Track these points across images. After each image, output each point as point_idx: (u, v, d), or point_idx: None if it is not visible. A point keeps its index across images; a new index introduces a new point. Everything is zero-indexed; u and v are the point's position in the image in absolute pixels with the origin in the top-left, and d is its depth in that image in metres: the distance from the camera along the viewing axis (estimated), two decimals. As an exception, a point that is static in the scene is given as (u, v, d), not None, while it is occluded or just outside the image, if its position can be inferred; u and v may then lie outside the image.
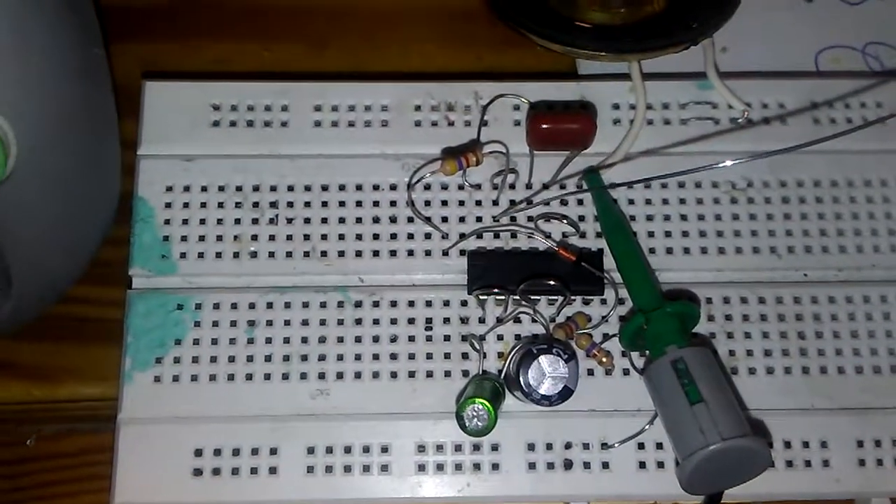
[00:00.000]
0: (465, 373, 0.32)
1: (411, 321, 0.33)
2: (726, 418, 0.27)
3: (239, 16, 0.40)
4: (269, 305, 0.33)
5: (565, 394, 0.30)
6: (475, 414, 0.29)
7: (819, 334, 0.33)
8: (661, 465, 0.32)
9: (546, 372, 0.30)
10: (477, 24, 0.39)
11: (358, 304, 0.33)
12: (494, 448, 0.32)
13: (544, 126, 0.32)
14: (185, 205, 0.34)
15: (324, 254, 0.34)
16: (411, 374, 0.32)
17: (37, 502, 0.35)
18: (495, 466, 0.32)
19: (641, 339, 0.31)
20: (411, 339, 0.33)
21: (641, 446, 0.32)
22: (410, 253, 0.34)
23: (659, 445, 0.32)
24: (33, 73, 0.28)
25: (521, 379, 0.30)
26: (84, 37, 0.31)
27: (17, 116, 0.27)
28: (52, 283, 0.33)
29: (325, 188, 0.34)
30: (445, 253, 0.34)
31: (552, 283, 0.32)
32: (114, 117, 0.34)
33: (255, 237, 0.34)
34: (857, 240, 0.34)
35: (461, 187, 0.34)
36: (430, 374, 0.32)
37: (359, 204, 0.34)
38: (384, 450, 0.32)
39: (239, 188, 0.34)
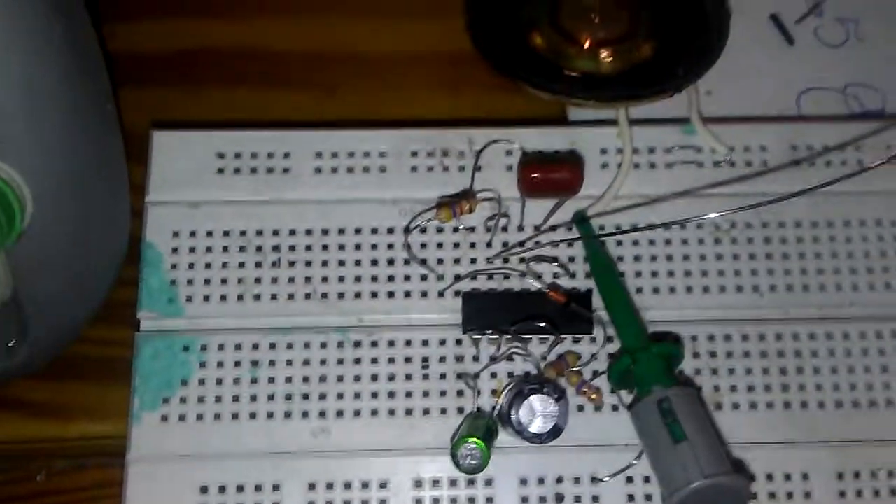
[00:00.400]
0: (461, 410, 0.34)
1: (408, 360, 0.34)
2: (708, 456, 0.29)
3: (246, 63, 0.41)
4: (272, 346, 0.34)
5: (555, 432, 0.31)
6: (469, 453, 0.30)
7: (800, 370, 0.34)
8: (649, 497, 0.33)
9: (537, 411, 0.31)
10: (477, 71, 0.41)
11: (357, 344, 0.34)
12: (488, 483, 0.33)
13: (534, 176, 0.34)
14: (192, 249, 0.35)
15: (324, 295, 0.35)
16: (408, 412, 0.34)
17: (49, 536, 0.36)
18: (489, 500, 0.33)
19: (629, 379, 0.32)
20: (408, 377, 0.34)
21: (630, 480, 0.33)
22: (407, 294, 0.35)
23: (647, 479, 0.33)
24: (48, 130, 0.30)
25: (513, 418, 0.31)
26: (97, 93, 0.33)
27: (33, 174, 0.29)
28: (66, 328, 0.35)
29: (325, 232, 0.36)
30: (441, 294, 0.35)
31: (542, 325, 0.33)
32: (124, 168, 0.36)
33: (258, 280, 0.35)
34: (837, 278, 0.36)
35: (456, 230, 0.36)
36: (426, 412, 0.34)
37: (358, 247, 0.36)
38: (382, 485, 0.33)
39: (243, 233, 0.36)
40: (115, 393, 0.35)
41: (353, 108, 0.40)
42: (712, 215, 0.30)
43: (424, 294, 0.35)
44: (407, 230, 0.35)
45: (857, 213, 0.36)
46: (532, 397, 0.31)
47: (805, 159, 0.37)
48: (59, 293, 0.32)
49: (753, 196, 0.36)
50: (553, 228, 0.36)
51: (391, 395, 0.34)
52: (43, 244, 0.30)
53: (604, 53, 0.38)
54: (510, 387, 0.33)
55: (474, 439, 0.30)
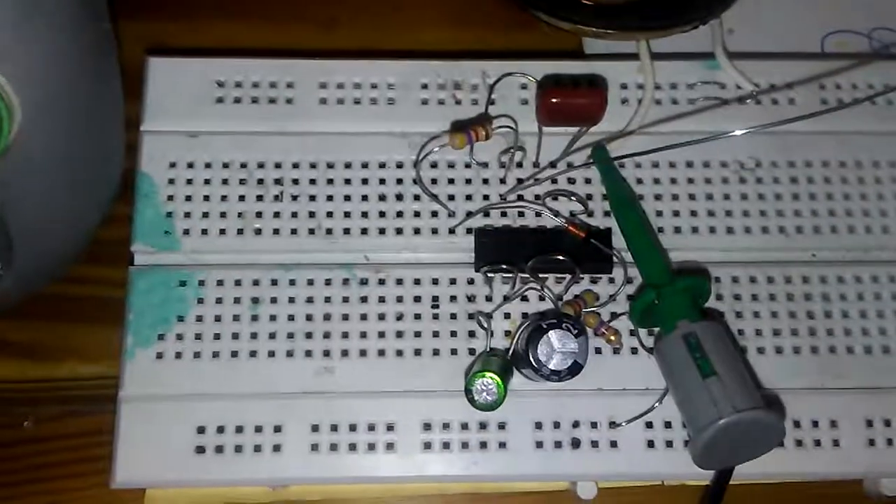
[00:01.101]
0: (472, 351, 0.32)
1: (417, 299, 0.33)
2: (739, 391, 0.27)
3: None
4: (274, 282, 0.33)
5: (575, 369, 0.30)
6: (484, 388, 0.29)
7: (828, 314, 0.33)
8: (669, 444, 0.31)
9: (555, 347, 0.30)
10: (486, 5, 0.39)
11: (363, 282, 0.33)
12: (501, 426, 0.31)
13: (554, 100, 0.32)
14: (189, 181, 0.34)
15: (329, 231, 0.33)
16: (417, 353, 0.32)
17: (34, 485, 0.34)
18: (502, 445, 0.31)
19: (652, 315, 0.30)
20: (417, 317, 0.32)
21: (650, 425, 0.32)
22: (417, 231, 0.33)
23: (667, 424, 0.31)
24: (40, 42, 0.28)
25: (531, 354, 0.30)
26: (92, 10, 0.31)
27: (23, 84, 0.27)
28: (53, 257, 0.33)
29: (330, 165, 0.34)
30: (452, 231, 0.33)
31: (562, 259, 0.32)
32: (119, 94, 0.34)
33: (259, 214, 0.33)
34: (866, 220, 0.34)
35: (468, 165, 0.34)
36: (436, 352, 0.32)
37: (364, 182, 0.34)
38: (389, 428, 0.31)
39: (243, 165, 0.34)
40: (106, 333, 0.34)
41: (354, 43, 0.38)
42: (737, 132, 0.29)
43: (435, 231, 0.33)
44: (417, 162, 0.34)
45: (887, 154, 0.35)
46: (550, 332, 0.29)
47: (831, 87, 0.35)
48: (46, 216, 0.30)
49: (779, 135, 0.35)
50: (570, 165, 0.34)
51: (399, 334, 0.32)
52: (30, 162, 0.28)
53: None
54: (526, 324, 0.31)
55: (490, 374, 0.29)
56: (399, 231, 0.33)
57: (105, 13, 0.33)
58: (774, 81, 0.36)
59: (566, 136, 0.34)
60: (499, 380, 0.29)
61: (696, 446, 0.27)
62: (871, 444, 0.32)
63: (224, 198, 0.34)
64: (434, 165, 0.34)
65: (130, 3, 0.38)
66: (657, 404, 0.31)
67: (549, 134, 0.34)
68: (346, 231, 0.33)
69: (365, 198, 0.34)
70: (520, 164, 0.34)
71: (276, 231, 0.33)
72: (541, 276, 0.32)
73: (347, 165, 0.34)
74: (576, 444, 0.31)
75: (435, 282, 0.33)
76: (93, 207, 0.33)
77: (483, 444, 0.31)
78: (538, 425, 0.32)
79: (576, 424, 0.32)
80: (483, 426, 0.31)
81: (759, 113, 0.35)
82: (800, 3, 0.40)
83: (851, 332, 0.33)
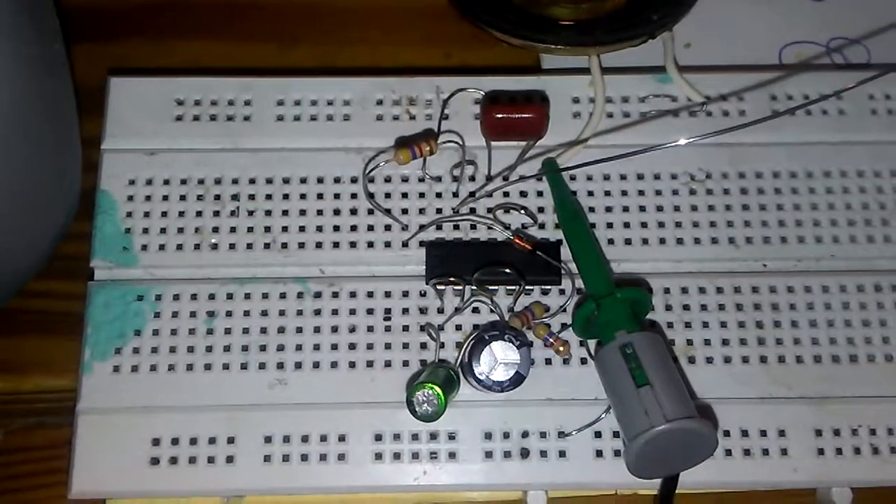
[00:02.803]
0: (424, 362, 0.32)
1: (370, 311, 0.33)
2: (671, 401, 0.27)
3: (209, 15, 0.40)
4: (229, 296, 0.33)
5: (517, 380, 0.30)
6: (425, 399, 0.29)
7: (777, 323, 0.33)
8: (618, 453, 0.31)
9: (498, 358, 0.30)
10: (446, 22, 0.39)
11: (317, 295, 0.33)
12: (451, 437, 0.32)
13: (497, 116, 0.33)
14: (148, 198, 0.34)
15: (284, 245, 0.34)
16: (369, 364, 0.33)
17: (4, 496, 0.35)
18: (452, 455, 0.32)
19: (593, 326, 0.31)
20: (370, 329, 0.33)
21: (598, 435, 0.32)
22: (370, 244, 0.34)
23: (616, 434, 0.32)
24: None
25: (474, 365, 0.30)
26: (42, 32, 0.32)
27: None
28: (10, 277, 0.33)
29: (286, 181, 0.35)
30: (405, 244, 0.34)
31: (507, 271, 0.32)
32: (74, 114, 0.35)
33: (216, 229, 0.34)
34: (816, 230, 0.34)
35: (421, 179, 0.35)
36: (388, 364, 0.33)
37: (320, 196, 0.34)
38: (341, 439, 0.32)
39: (201, 181, 0.35)
40: (69, 347, 0.34)
41: (315, 62, 0.39)
42: (682, 142, 0.29)
43: (388, 244, 0.34)
44: (365, 177, 0.34)
45: (838, 164, 0.35)
46: (493, 344, 0.30)
47: (783, 99, 0.35)
48: (2, 239, 0.31)
49: (730, 146, 0.35)
50: (522, 177, 0.34)
51: (352, 346, 0.33)
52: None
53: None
54: (472, 336, 0.31)
55: (431, 385, 0.29)
56: (353, 245, 0.34)
57: (56, 34, 0.33)
58: (726, 93, 0.36)
59: (517, 149, 0.35)
60: (439, 391, 0.29)
61: (629, 454, 0.28)
62: (820, 454, 0.32)
63: (181, 213, 0.34)
64: (388, 180, 0.35)
65: (93, 26, 0.39)
66: (604, 415, 0.31)
67: (502, 148, 0.35)
68: (301, 245, 0.34)
69: (320, 212, 0.34)
70: (472, 178, 0.35)
71: (232, 246, 0.34)
72: (490, 287, 0.33)
73: (303, 181, 0.35)
74: (525, 453, 0.32)
75: (388, 294, 0.33)
76: (51, 225, 0.34)
77: (433, 455, 0.32)
78: (488, 435, 0.32)
79: (525, 434, 0.32)
80: (433, 437, 0.32)
81: (710, 124, 0.35)
82: (757, 16, 0.40)
83: (801, 341, 0.33)
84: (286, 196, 0.34)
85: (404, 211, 0.34)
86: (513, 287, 0.33)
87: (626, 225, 0.34)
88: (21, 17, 0.30)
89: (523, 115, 0.33)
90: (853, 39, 0.40)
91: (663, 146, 0.30)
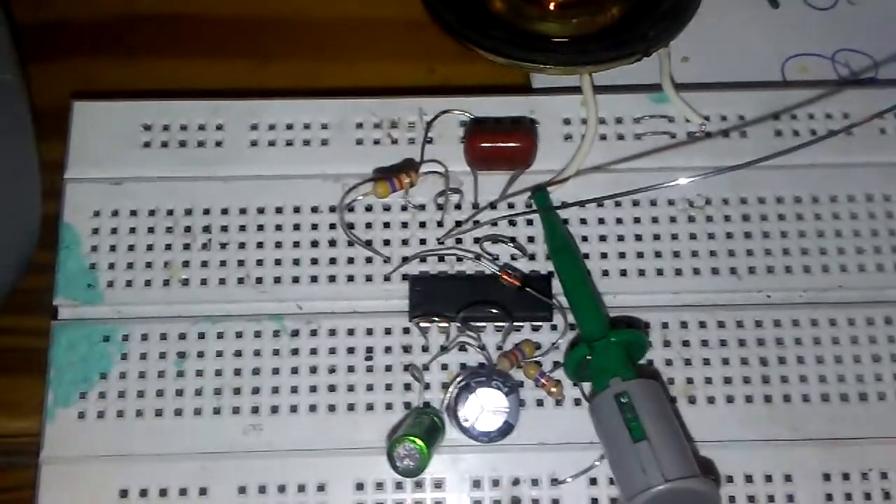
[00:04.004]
0: (408, 405, 0.31)
1: (351, 350, 0.31)
2: (671, 458, 0.26)
3: (182, 30, 0.38)
4: (201, 335, 0.31)
5: (505, 430, 0.28)
6: (406, 453, 0.27)
7: (782, 360, 0.31)
8: (613, 501, 0.30)
9: (485, 406, 0.28)
10: (429, 35, 0.37)
11: (295, 333, 0.31)
12: (438, 485, 0.30)
13: (483, 146, 0.31)
14: (114, 230, 0.33)
15: (259, 280, 0.32)
16: (350, 407, 0.31)
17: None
18: (438, 505, 0.30)
19: (586, 370, 0.29)
20: (351, 369, 0.31)
21: (594, 482, 0.30)
22: (350, 278, 0.32)
23: (612, 481, 0.30)
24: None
25: (459, 414, 0.28)
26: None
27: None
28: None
29: (260, 211, 0.33)
30: (387, 278, 0.32)
31: (493, 310, 0.30)
32: (31, 144, 0.33)
33: (186, 264, 0.32)
34: (823, 259, 0.32)
35: (404, 208, 0.33)
36: (370, 407, 0.31)
37: (296, 227, 0.33)
38: (320, 488, 0.30)
39: (170, 212, 0.33)
40: (32, 385, 0.32)
41: (291, 80, 0.37)
42: (682, 181, 0.27)
43: (369, 278, 0.32)
44: (341, 209, 0.32)
45: (845, 187, 0.33)
46: (479, 391, 0.28)
47: (786, 118, 0.33)
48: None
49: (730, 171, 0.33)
50: (511, 206, 0.33)
51: (332, 388, 0.31)
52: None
53: (568, 15, 0.35)
54: (458, 380, 0.29)
55: (412, 438, 0.27)
56: (332, 279, 0.32)
57: (8, 63, 0.31)
58: (726, 113, 0.34)
59: (505, 174, 0.33)
60: (423, 444, 0.27)
61: (627, 515, 0.26)
62: (828, 500, 0.30)
63: (150, 247, 0.32)
64: (369, 209, 0.33)
65: (61, 41, 0.37)
66: (598, 462, 0.30)
67: (487, 174, 0.33)
68: (277, 280, 0.32)
69: (297, 244, 0.32)
70: (458, 207, 0.33)
71: (203, 281, 0.32)
72: (477, 325, 0.31)
73: (279, 210, 0.33)
74: (516, 502, 0.30)
75: (369, 332, 0.32)
76: (10, 259, 0.32)
77: (418, 505, 0.30)
78: (476, 483, 0.30)
79: (516, 482, 0.30)
80: (418, 485, 0.30)
81: (708, 147, 0.34)
82: (758, 28, 0.38)
83: (807, 378, 0.31)
84: (261, 227, 0.33)
85: (386, 242, 0.32)
86: (501, 324, 0.31)
87: (622, 255, 0.32)
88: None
89: (509, 145, 0.31)
90: (860, 51, 0.38)
91: (661, 185, 0.28)
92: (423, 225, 0.33)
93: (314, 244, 0.32)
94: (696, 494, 0.26)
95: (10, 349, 0.34)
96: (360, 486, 0.30)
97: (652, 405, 0.27)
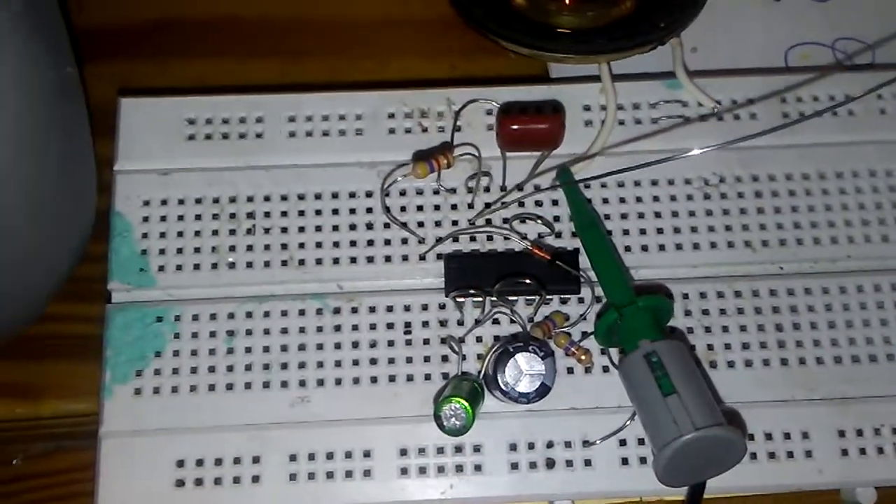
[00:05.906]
0: (445, 375, 0.32)
1: (390, 326, 0.33)
2: (700, 408, 0.28)
3: (216, 32, 0.40)
4: (248, 315, 0.33)
5: (543, 391, 0.30)
6: (453, 413, 0.29)
7: (796, 326, 0.33)
8: (643, 460, 0.32)
9: (523, 370, 0.30)
10: (452, 33, 0.39)
11: (336, 311, 0.33)
12: (477, 449, 0.32)
13: (513, 127, 0.33)
14: (163, 218, 0.34)
15: (301, 262, 0.34)
16: (391, 379, 0.33)
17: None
18: (478, 468, 0.32)
19: (616, 335, 0.31)
20: (391, 343, 0.33)
21: (623, 443, 0.32)
22: (388, 258, 0.34)
23: (641, 441, 0.32)
24: (3, 91, 0.28)
25: (499, 378, 0.30)
26: (55, 56, 0.32)
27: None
28: (30, 301, 0.33)
29: (301, 197, 0.35)
30: (422, 257, 0.34)
31: (527, 282, 0.32)
32: (88, 136, 0.34)
33: (232, 248, 0.34)
34: (831, 231, 0.35)
35: (436, 192, 0.35)
36: (410, 378, 0.33)
37: (335, 212, 0.34)
38: (366, 454, 0.32)
39: (216, 200, 0.35)
40: (87, 370, 0.34)
41: (324, 76, 0.39)
42: (696, 151, 0.29)
43: (405, 258, 0.34)
44: (383, 191, 0.34)
45: (850, 164, 0.35)
46: (518, 356, 0.30)
47: (792, 101, 0.35)
48: (20, 261, 0.31)
49: (741, 150, 0.35)
50: (537, 188, 0.34)
51: (373, 362, 0.33)
52: (1, 209, 0.28)
53: (585, 7, 0.37)
54: (495, 348, 0.31)
55: (458, 399, 0.29)
56: (370, 259, 0.34)
57: (69, 57, 0.33)
58: (736, 97, 0.36)
59: (532, 158, 0.35)
60: (467, 404, 0.29)
61: (658, 464, 0.28)
62: (844, 454, 0.32)
63: (197, 233, 0.34)
64: (403, 193, 0.35)
65: (101, 46, 0.39)
66: (628, 422, 0.32)
67: (516, 158, 0.35)
68: (319, 261, 0.34)
69: (336, 228, 0.34)
70: (487, 189, 0.35)
71: (249, 264, 0.34)
72: (510, 298, 0.33)
73: (318, 196, 0.35)
74: (550, 464, 0.32)
75: (407, 308, 0.33)
76: (68, 248, 0.34)
77: (459, 468, 0.32)
78: (513, 447, 0.32)
79: (550, 445, 0.32)
80: (458, 450, 0.32)
81: (721, 129, 0.36)
82: (761, 18, 0.40)
83: (820, 342, 0.33)
84: (301, 213, 0.34)
85: (420, 224, 0.34)
86: (532, 297, 0.33)
87: (643, 231, 0.34)
88: (34, 42, 0.30)
89: (540, 126, 0.33)
90: (858, 39, 0.40)
91: (677, 157, 0.30)
92: (454, 207, 0.35)
93: (352, 227, 0.34)
94: (725, 441, 0.28)
95: (64, 335, 0.36)
96: (403, 452, 0.32)
97: (679, 362, 0.29)
